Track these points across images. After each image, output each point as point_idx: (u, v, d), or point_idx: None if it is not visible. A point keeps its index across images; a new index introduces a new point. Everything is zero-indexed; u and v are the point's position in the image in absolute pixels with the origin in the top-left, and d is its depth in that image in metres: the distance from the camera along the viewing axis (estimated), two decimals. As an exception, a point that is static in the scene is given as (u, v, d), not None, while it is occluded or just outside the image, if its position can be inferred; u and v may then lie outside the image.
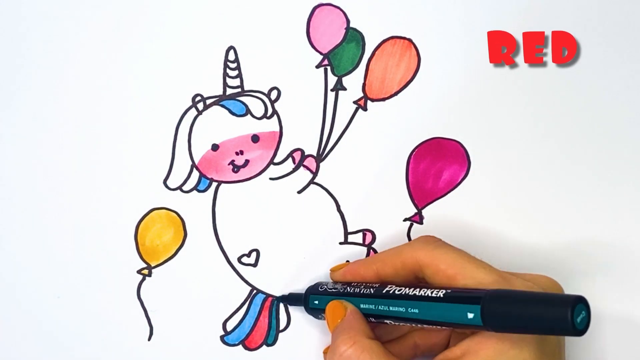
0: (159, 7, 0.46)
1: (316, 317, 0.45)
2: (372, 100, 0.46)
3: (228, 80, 0.46)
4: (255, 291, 0.47)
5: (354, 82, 0.46)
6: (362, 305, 0.42)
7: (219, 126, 0.46)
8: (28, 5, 0.46)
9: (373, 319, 0.42)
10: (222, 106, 0.46)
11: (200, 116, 0.46)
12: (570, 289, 0.46)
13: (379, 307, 0.41)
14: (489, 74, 0.46)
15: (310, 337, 0.46)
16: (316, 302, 0.44)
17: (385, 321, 0.41)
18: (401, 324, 0.41)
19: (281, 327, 0.47)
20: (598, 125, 0.46)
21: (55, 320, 0.46)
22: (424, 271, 0.41)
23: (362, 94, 0.46)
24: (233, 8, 0.46)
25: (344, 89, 0.46)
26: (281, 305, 0.47)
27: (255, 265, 0.47)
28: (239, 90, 0.46)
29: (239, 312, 0.47)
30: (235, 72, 0.46)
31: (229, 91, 0.46)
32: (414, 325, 0.40)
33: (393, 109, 0.46)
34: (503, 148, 0.46)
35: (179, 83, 0.46)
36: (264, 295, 0.47)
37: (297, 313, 0.47)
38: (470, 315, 0.37)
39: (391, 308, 0.40)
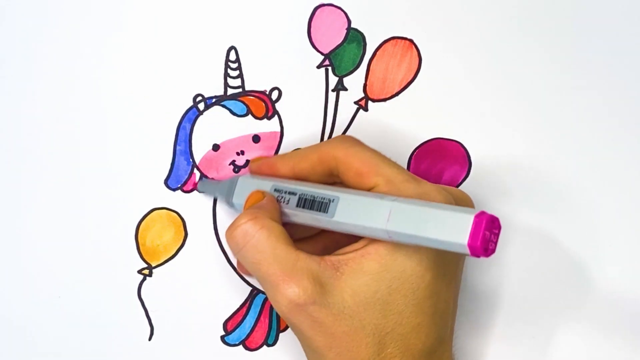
0: (160, 6, 0.46)
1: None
2: (373, 100, 0.46)
3: (229, 81, 0.46)
4: (255, 291, 0.47)
5: (354, 82, 0.46)
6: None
7: (220, 126, 0.46)
8: (28, 4, 0.45)
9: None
10: (223, 106, 0.46)
11: (201, 116, 0.46)
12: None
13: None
14: (490, 74, 0.46)
15: (310, 337, 0.46)
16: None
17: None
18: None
19: (281, 327, 0.47)
20: (598, 125, 0.46)
21: (56, 320, 0.46)
22: (339, 168, 0.41)
23: (363, 95, 0.46)
24: (234, 8, 0.46)
25: (345, 89, 0.46)
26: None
27: (255, 265, 0.47)
28: (240, 90, 0.46)
29: (239, 312, 0.47)
30: (236, 72, 0.46)
31: (230, 91, 0.46)
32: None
33: (394, 110, 0.46)
34: (504, 149, 0.46)
35: (180, 83, 0.46)
36: (265, 296, 0.47)
37: (298, 313, 0.47)
38: None
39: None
